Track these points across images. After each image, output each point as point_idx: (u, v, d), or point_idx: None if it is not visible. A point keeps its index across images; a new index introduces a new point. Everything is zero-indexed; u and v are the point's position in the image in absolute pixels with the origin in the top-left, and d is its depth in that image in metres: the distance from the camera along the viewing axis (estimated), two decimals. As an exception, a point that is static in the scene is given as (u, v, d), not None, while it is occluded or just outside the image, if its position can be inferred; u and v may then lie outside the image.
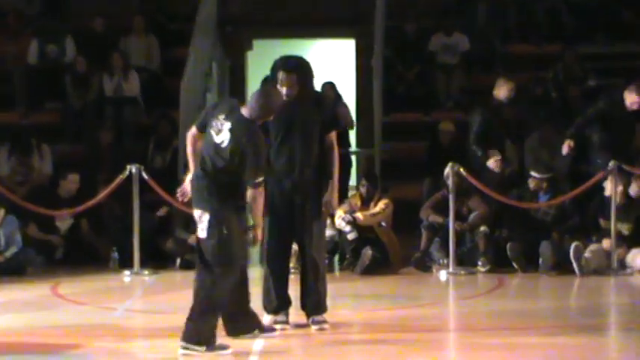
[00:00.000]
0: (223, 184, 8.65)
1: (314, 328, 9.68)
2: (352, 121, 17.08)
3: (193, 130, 8.97)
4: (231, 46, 19.20)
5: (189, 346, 8.54)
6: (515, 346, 9.32)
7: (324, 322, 9.73)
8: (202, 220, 8.68)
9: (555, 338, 9.67)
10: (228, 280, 8.67)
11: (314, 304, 9.74)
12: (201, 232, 8.73)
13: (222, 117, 8.64)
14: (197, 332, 8.56)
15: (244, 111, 8.66)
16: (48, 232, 14.30)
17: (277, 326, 9.62)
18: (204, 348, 8.53)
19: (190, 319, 8.61)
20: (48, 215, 14.04)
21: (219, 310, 8.78)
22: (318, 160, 9.68)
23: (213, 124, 8.66)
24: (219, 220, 8.60)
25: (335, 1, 19.21)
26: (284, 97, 9.41)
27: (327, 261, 12.86)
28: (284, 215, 9.52)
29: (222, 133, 8.59)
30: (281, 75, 9.54)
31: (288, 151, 9.56)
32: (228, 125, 8.56)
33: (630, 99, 13.65)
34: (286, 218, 9.54)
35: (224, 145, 8.55)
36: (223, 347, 8.68)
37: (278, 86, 9.53)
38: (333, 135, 9.74)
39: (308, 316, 9.77)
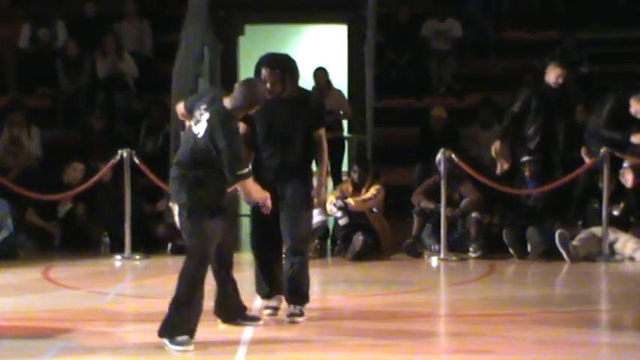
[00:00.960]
0: (198, 178, 8.51)
1: (287, 320, 9.61)
2: (349, 110, 17.07)
3: (181, 106, 8.92)
4: (223, 31, 19.19)
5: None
6: (506, 333, 9.32)
7: (299, 314, 9.61)
8: (176, 211, 8.65)
9: (545, 326, 9.70)
10: (197, 274, 8.56)
11: (291, 294, 9.69)
12: (177, 223, 8.70)
13: (203, 107, 8.54)
14: (172, 323, 8.49)
15: (227, 101, 8.51)
16: (47, 218, 14.28)
17: (266, 311, 9.63)
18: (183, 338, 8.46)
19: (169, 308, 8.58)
20: (45, 200, 14.02)
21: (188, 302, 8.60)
22: (302, 157, 9.67)
23: (196, 114, 8.56)
24: (188, 214, 8.50)
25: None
26: (267, 95, 9.38)
27: (310, 254, 12.93)
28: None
29: (200, 124, 8.47)
30: (264, 71, 9.46)
31: (271, 151, 9.53)
32: (206, 116, 8.44)
33: (635, 107, 13.62)
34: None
35: (200, 135, 8.43)
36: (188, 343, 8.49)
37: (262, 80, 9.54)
38: (322, 131, 9.68)
39: (288, 303, 9.76)
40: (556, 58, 14.00)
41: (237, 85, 8.66)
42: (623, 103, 13.64)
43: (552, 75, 13.69)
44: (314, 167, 9.83)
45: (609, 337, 9.68)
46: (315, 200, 9.71)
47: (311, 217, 10.03)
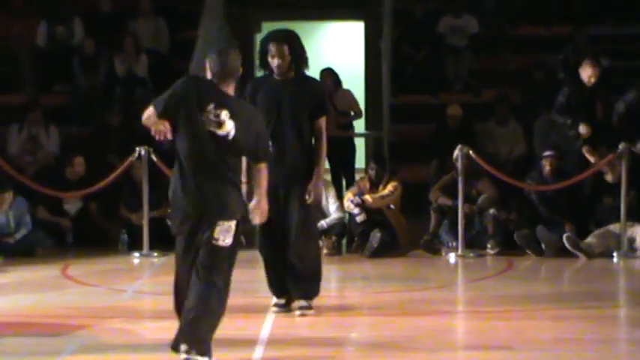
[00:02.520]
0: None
1: (297, 313, 9.68)
2: (360, 109, 17.04)
3: (151, 110, 8.03)
4: (239, 27, 19.20)
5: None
6: (523, 329, 9.35)
7: (308, 307, 9.68)
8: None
9: (562, 322, 9.72)
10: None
11: (298, 289, 9.72)
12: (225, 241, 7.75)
13: (211, 107, 7.71)
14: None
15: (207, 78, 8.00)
16: (57, 215, 14.35)
17: (274, 309, 9.71)
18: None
19: None
20: (57, 197, 14.09)
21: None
22: (310, 146, 9.70)
23: (203, 119, 7.66)
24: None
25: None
26: (275, 71, 9.43)
27: (327, 250, 13.01)
28: (274, 203, 9.46)
29: (225, 124, 7.75)
30: (271, 47, 9.52)
31: (280, 138, 9.48)
32: (226, 113, 7.74)
33: (586, 73, 13.71)
34: (276, 205, 9.38)
35: (231, 135, 7.70)
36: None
37: (269, 59, 9.54)
38: (323, 121, 9.65)
39: (292, 300, 9.78)
40: (590, 56, 13.91)
41: (209, 58, 8.05)
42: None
43: (585, 74, 13.71)
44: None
45: (626, 334, 9.71)
46: (311, 195, 9.58)
47: (314, 211, 10.04)
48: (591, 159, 13.46)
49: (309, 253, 9.73)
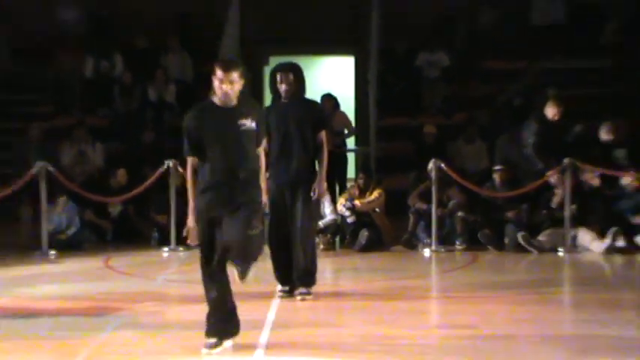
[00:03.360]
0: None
1: (298, 298, 9.71)
2: (353, 128, 17.08)
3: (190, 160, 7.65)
4: (251, 61, 19.24)
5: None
6: (486, 311, 9.38)
7: (308, 293, 9.75)
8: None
9: (519, 305, 9.73)
10: None
11: (299, 278, 9.78)
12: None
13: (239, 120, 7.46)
14: None
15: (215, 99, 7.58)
16: (101, 217, 14.39)
17: (279, 294, 9.76)
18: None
19: None
20: (101, 202, 14.14)
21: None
22: (312, 154, 9.75)
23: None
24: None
25: (338, 25, 19.27)
26: (282, 95, 9.54)
27: (322, 246, 13.04)
28: (282, 202, 9.59)
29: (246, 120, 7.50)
30: (279, 75, 9.66)
31: (288, 149, 9.62)
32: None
33: (550, 111, 13.82)
34: (283, 205, 9.59)
35: (246, 126, 7.47)
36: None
37: (277, 85, 9.64)
38: (323, 134, 9.74)
39: (295, 287, 9.82)
40: (553, 96, 13.98)
41: None
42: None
43: (550, 111, 13.76)
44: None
45: (572, 314, 9.73)
46: (316, 192, 9.67)
47: (315, 212, 10.10)
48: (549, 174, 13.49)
49: (310, 249, 9.81)
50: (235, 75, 7.38)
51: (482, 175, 14.98)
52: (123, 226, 14.43)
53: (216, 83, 7.43)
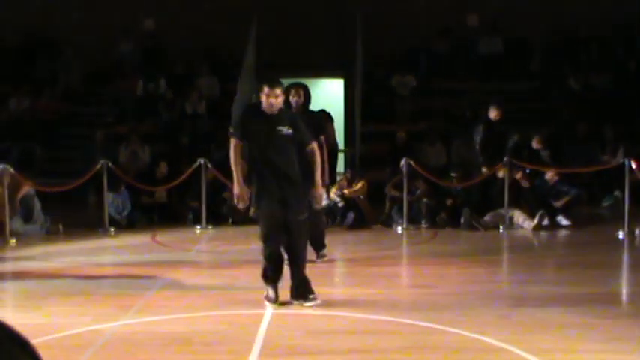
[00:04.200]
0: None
1: (318, 261, 9.84)
2: (337, 143, 17.13)
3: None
4: (262, 81, 19.26)
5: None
6: (444, 274, 9.46)
7: (324, 255, 10.01)
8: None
9: (468, 269, 9.82)
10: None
11: (316, 246, 9.93)
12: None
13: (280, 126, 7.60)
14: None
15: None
16: (150, 202, 14.42)
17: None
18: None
19: None
20: (150, 190, 14.17)
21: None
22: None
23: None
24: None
25: (331, 55, 19.32)
26: (293, 105, 9.56)
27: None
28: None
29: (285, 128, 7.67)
30: (293, 90, 9.71)
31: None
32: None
33: (492, 113, 13.76)
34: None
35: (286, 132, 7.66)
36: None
37: (290, 97, 9.63)
38: (322, 138, 9.73)
39: (316, 251, 9.96)
40: (495, 101, 13.99)
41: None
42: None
43: (492, 113, 13.77)
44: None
45: (507, 275, 9.82)
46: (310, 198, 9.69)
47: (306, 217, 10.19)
48: (486, 171, 13.52)
49: (319, 223, 9.94)
50: (278, 91, 7.53)
51: (441, 170, 15.03)
52: (166, 210, 14.43)
53: (263, 97, 7.54)
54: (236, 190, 7.72)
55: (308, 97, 9.90)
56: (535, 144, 14.35)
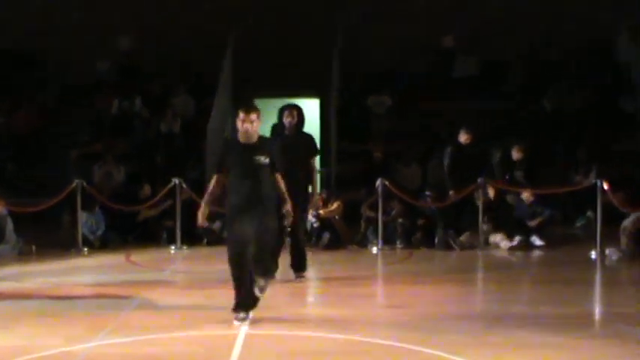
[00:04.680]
0: None
1: (296, 280, 10.03)
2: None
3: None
4: (240, 102, 19.22)
5: None
6: (417, 292, 9.48)
7: (303, 277, 10.15)
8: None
9: (441, 287, 9.86)
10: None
11: (297, 265, 10.11)
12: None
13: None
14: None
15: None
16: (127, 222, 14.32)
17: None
18: None
19: None
20: (125, 210, 14.05)
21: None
22: (307, 173, 9.86)
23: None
24: None
25: (307, 74, 19.33)
26: (286, 126, 9.65)
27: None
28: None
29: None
30: (286, 112, 9.83)
31: (291, 172, 9.53)
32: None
33: (462, 137, 13.82)
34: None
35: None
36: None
37: (284, 119, 9.79)
38: (315, 159, 9.96)
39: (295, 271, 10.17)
40: (465, 126, 14.05)
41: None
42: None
43: (462, 138, 13.81)
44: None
45: (482, 295, 9.85)
46: (311, 202, 10.19)
47: (306, 218, 10.33)
48: (453, 194, 13.54)
49: (302, 243, 10.15)
50: (254, 116, 7.61)
51: (416, 190, 15.04)
52: (140, 228, 14.34)
53: (239, 123, 7.64)
54: (201, 208, 7.85)
55: (302, 118, 10.02)
56: (515, 153, 14.37)
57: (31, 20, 19.46)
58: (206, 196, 7.90)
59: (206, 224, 7.98)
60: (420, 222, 13.63)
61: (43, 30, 19.33)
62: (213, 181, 7.85)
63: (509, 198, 13.88)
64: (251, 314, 7.76)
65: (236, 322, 7.57)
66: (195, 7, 19.63)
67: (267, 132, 10.62)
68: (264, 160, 7.62)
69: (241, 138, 7.66)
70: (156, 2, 19.62)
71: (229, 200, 7.68)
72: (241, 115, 7.59)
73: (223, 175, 7.76)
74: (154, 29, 19.45)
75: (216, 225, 13.85)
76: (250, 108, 7.67)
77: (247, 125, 7.56)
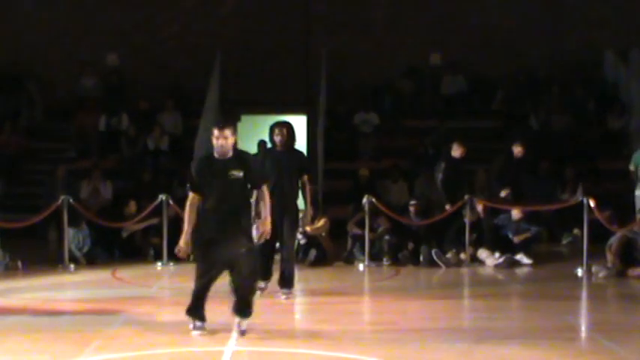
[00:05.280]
0: None
1: (283, 297, 9.90)
2: None
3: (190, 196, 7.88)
4: (227, 119, 19.23)
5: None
6: (403, 309, 9.51)
7: (290, 294, 9.99)
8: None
9: (430, 303, 9.90)
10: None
11: (285, 282, 10.01)
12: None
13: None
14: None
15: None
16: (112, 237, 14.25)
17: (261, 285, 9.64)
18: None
19: None
20: (113, 227, 14.00)
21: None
22: (296, 190, 9.89)
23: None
24: None
25: (293, 91, 19.41)
26: (277, 144, 9.64)
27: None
28: (273, 227, 9.16)
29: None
30: (276, 130, 9.85)
31: (281, 188, 9.63)
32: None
33: (516, 150, 13.99)
34: (274, 228, 9.08)
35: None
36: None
37: (274, 137, 9.84)
38: (306, 177, 9.95)
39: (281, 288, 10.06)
40: (458, 139, 14.08)
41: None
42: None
43: (456, 151, 13.86)
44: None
45: (468, 311, 9.87)
46: (304, 219, 10.43)
47: (296, 235, 10.36)
48: (449, 207, 13.58)
49: (292, 260, 10.11)
50: (228, 132, 7.64)
51: (404, 207, 15.06)
52: (127, 245, 14.29)
53: (214, 140, 7.70)
54: (182, 242, 7.82)
55: (292, 136, 9.99)
56: (516, 149, 14.34)
57: (15, 38, 19.46)
58: (186, 225, 7.80)
59: (187, 256, 7.93)
60: (406, 239, 13.56)
61: (28, 48, 19.34)
62: (188, 204, 7.80)
63: (501, 218, 13.87)
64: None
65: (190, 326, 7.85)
66: (182, 23, 19.69)
67: (253, 147, 10.68)
68: (237, 174, 7.64)
69: (216, 154, 7.71)
70: (143, 19, 19.65)
71: (200, 229, 7.70)
72: (215, 131, 7.67)
73: (198, 196, 7.74)
74: (141, 46, 19.49)
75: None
76: (224, 124, 7.72)
77: (222, 141, 7.62)
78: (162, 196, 13.38)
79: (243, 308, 7.77)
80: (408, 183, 16.19)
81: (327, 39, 19.28)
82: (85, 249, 13.47)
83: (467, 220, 13.16)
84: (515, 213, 13.65)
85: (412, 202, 13.93)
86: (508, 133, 17.53)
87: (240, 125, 19.72)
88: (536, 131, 18.08)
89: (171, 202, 13.35)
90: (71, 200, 13.15)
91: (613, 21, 19.25)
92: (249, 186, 7.86)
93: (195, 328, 7.90)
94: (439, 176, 13.86)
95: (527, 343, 7.56)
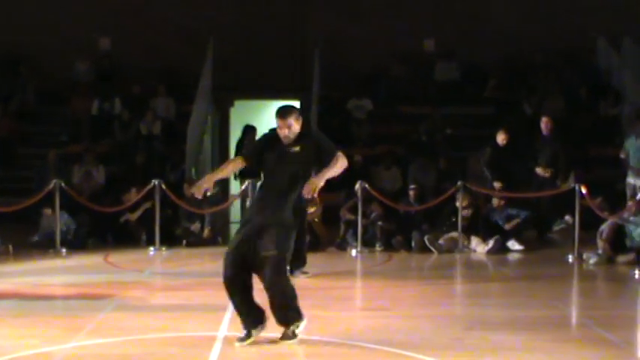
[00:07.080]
0: None
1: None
2: None
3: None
4: (220, 104, 19.26)
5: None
6: (397, 296, 9.51)
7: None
8: None
9: (423, 290, 9.90)
10: None
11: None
12: None
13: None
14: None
15: None
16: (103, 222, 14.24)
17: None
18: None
19: None
20: (105, 212, 13.98)
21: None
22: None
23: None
24: None
25: (286, 77, 19.37)
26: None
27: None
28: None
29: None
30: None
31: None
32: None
33: (500, 138, 14.23)
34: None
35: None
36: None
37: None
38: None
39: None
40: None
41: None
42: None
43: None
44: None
45: (461, 298, 9.89)
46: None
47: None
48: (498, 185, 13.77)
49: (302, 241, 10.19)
50: (291, 120, 7.02)
51: (396, 193, 15.08)
52: (119, 229, 14.29)
53: (278, 130, 7.05)
54: (202, 181, 6.99)
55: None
56: (500, 137, 14.42)
57: (6, 23, 19.36)
58: (214, 172, 7.24)
59: (199, 196, 6.97)
60: (399, 225, 13.59)
61: (21, 30, 19.25)
62: (231, 161, 7.37)
63: (489, 206, 13.93)
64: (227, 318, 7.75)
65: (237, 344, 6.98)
66: (175, 8, 19.61)
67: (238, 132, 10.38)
68: (293, 149, 7.00)
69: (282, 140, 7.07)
70: (136, 3, 19.57)
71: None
72: (277, 120, 7.04)
73: (245, 162, 7.13)
74: (134, 30, 19.40)
75: (196, 226, 13.86)
76: (285, 112, 7.06)
77: (285, 131, 7.01)
78: (155, 181, 13.37)
79: (278, 317, 7.10)
80: (401, 169, 16.19)
81: (321, 25, 19.23)
82: (70, 234, 13.41)
83: (460, 205, 13.19)
84: (496, 201, 13.73)
85: (412, 187, 13.97)
86: (501, 119, 17.52)
87: (232, 110, 19.96)
88: (529, 117, 18.08)
89: (164, 186, 13.34)
90: (63, 185, 13.13)
91: (606, 8, 19.22)
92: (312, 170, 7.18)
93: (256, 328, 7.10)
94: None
95: (519, 331, 7.57)
